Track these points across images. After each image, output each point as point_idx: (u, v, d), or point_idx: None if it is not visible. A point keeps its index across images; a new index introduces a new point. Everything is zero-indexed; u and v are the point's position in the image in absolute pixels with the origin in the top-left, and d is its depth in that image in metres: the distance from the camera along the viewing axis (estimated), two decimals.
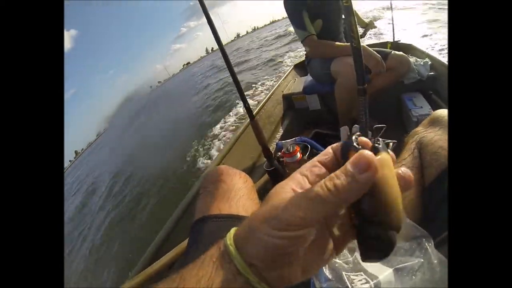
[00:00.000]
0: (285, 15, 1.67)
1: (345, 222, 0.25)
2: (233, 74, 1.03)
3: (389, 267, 0.40)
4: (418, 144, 0.56)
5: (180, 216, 1.09)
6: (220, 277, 0.22)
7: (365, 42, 2.62)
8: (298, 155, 1.13)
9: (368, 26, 1.92)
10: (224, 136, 5.15)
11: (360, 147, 0.23)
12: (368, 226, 0.21)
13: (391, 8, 2.14)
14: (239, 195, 0.62)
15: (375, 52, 1.42)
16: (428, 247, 0.40)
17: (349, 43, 1.54)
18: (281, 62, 9.66)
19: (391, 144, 1.07)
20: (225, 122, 5.93)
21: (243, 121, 1.98)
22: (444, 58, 1.70)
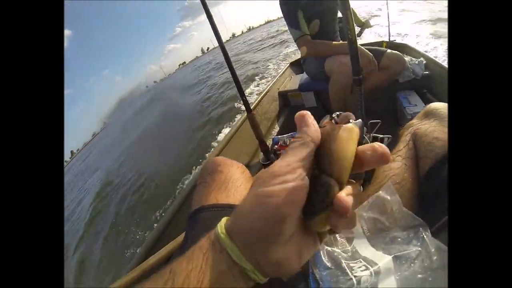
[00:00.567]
0: (280, 15, 1.67)
1: None
2: (231, 68, 1.04)
3: (388, 255, 0.40)
4: (413, 136, 0.57)
5: (177, 209, 1.08)
6: (212, 269, 0.22)
7: (361, 40, 2.64)
8: None
9: (365, 25, 1.93)
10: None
11: (335, 118, 0.28)
12: (317, 174, 0.24)
13: (387, 8, 2.15)
14: (236, 185, 0.62)
15: (366, 51, 1.44)
16: (425, 236, 0.41)
17: (341, 42, 1.57)
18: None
19: (386, 139, 1.09)
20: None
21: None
22: (437, 58, 1.73)
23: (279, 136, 1.36)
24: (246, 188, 0.63)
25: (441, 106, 0.58)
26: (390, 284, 0.37)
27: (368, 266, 0.39)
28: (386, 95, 1.80)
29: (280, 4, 1.61)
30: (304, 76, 2.00)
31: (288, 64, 2.73)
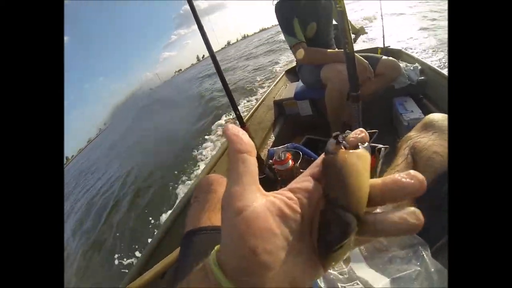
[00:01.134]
0: (274, 23, 1.68)
1: None
2: (223, 81, 1.03)
3: (386, 277, 0.39)
4: (412, 149, 0.55)
5: (171, 225, 1.06)
6: None
7: (355, 47, 2.64)
8: (290, 162, 1.12)
9: (359, 32, 1.94)
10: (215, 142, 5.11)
11: (343, 142, 0.23)
12: (330, 208, 0.21)
13: (381, 14, 2.16)
14: None
15: (362, 58, 1.44)
16: (424, 255, 0.40)
17: (337, 50, 1.57)
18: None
19: (383, 149, 1.08)
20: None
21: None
22: (432, 63, 1.74)
23: (274, 148, 1.35)
24: None
25: (440, 118, 0.56)
26: None
27: None
28: (382, 102, 1.79)
29: (276, 11, 1.61)
30: (299, 84, 1.99)
31: (284, 72, 2.72)
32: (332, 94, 1.56)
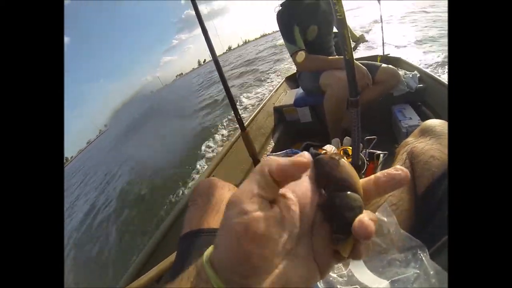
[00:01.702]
0: (275, 29, 1.70)
1: (328, 244, 0.24)
2: (225, 85, 1.03)
3: (385, 279, 0.39)
4: (409, 154, 0.56)
5: (169, 229, 1.06)
6: None
7: (356, 55, 2.67)
8: None
9: (359, 40, 1.96)
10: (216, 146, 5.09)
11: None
12: (338, 194, 0.23)
13: (381, 22, 2.19)
14: None
15: (361, 65, 1.45)
16: (423, 257, 0.40)
17: (336, 57, 1.59)
18: None
19: (382, 155, 1.08)
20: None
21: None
22: (431, 71, 1.76)
23: (274, 154, 1.35)
24: None
25: (437, 123, 0.57)
26: None
27: None
28: (381, 109, 1.81)
29: (277, 19, 1.63)
30: (299, 91, 2.01)
31: (284, 79, 2.74)
32: (331, 100, 1.57)
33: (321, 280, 0.41)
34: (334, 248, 0.23)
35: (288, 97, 2.20)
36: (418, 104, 1.74)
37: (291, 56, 1.64)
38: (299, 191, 0.24)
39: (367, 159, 0.99)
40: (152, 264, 0.89)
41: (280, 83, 2.64)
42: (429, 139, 0.55)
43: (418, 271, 0.39)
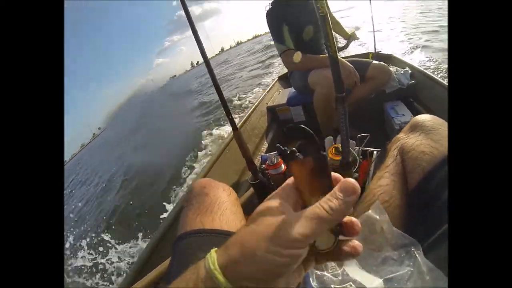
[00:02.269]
0: (267, 30, 1.69)
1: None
2: (216, 85, 1.02)
3: (379, 278, 0.39)
4: (400, 150, 0.56)
5: (165, 232, 1.04)
6: None
7: (348, 52, 2.68)
8: (283, 166, 1.11)
9: (351, 37, 1.96)
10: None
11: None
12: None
13: (372, 19, 2.20)
14: (222, 208, 0.60)
15: (347, 63, 1.44)
16: (417, 255, 0.40)
17: (323, 55, 1.59)
18: None
19: (375, 152, 1.08)
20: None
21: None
22: (421, 67, 1.77)
23: (267, 154, 1.34)
24: (232, 212, 0.61)
25: (427, 118, 0.57)
26: None
27: None
28: (373, 106, 1.81)
29: (266, 17, 1.62)
30: (292, 90, 2.00)
31: (276, 78, 2.74)
32: (319, 99, 1.56)
33: (315, 280, 0.41)
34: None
35: (281, 96, 2.19)
36: (410, 100, 1.75)
37: (280, 55, 1.63)
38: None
39: (360, 156, 0.99)
40: (149, 269, 0.88)
41: (273, 82, 2.63)
42: (419, 135, 0.55)
43: (412, 269, 0.39)
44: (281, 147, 0.28)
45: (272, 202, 0.25)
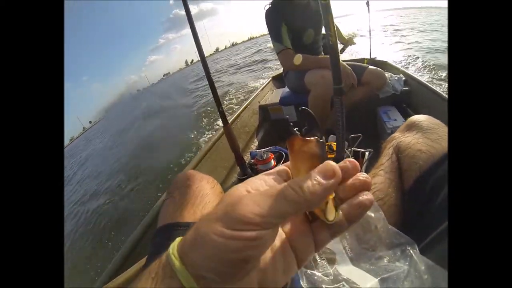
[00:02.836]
0: (263, 32, 1.68)
1: (307, 236, 0.23)
2: (209, 78, 1.00)
3: (374, 277, 0.36)
4: (396, 149, 0.55)
5: (148, 227, 1.01)
6: None
7: (342, 57, 2.69)
8: (272, 162, 1.10)
9: (348, 42, 1.97)
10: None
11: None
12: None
13: (369, 26, 2.22)
14: (205, 201, 0.58)
15: (346, 65, 1.45)
16: (413, 253, 0.38)
17: (322, 55, 1.58)
18: None
19: (367, 153, 1.08)
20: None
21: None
22: (415, 74, 1.79)
23: (257, 150, 1.32)
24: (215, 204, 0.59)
25: (423, 118, 0.56)
26: None
27: None
28: (367, 110, 1.82)
29: (265, 17, 1.62)
30: (285, 90, 2.00)
31: (270, 78, 2.74)
32: (315, 99, 1.57)
33: (304, 279, 0.38)
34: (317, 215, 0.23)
35: (274, 96, 2.18)
36: (403, 106, 1.77)
37: (277, 54, 1.62)
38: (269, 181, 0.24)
39: (352, 157, 0.98)
40: (130, 264, 0.84)
41: (266, 82, 2.63)
42: (415, 133, 0.54)
43: (407, 267, 0.37)
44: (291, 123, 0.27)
45: (240, 184, 0.23)
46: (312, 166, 0.22)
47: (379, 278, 0.36)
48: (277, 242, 0.21)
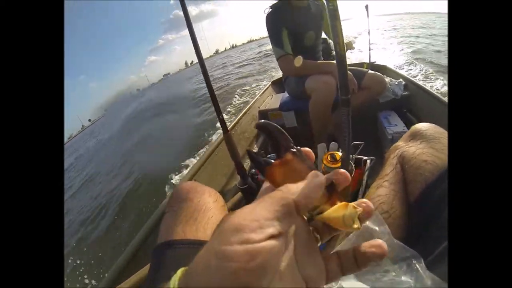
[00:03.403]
0: (263, 35, 1.67)
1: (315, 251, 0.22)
2: (209, 85, 0.99)
3: None
4: (400, 159, 0.54)
5: (145, 238, 0.99)
6: None
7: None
8: None
9: (347, 46, 1.96)
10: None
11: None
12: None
13: (368, 30, 2.22)
14: (207, 216, 0.56)
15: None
16: (418, 267, 0.37)
17: (325, 61, 1.58)
18: None
19: (369, 161, 1.07)
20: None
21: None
22: (415, 79, 1.79)
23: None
24: (218, 220, 0.57)
25: (427, 127, 0.56)
26: None
27: None
28: (367, 115, 1.81)
29: (266, 21, 1.60)
30: (285, 95, 1.98)
31: (270, 83, 2.73)
32: (316, 105, 1.55)
33: None
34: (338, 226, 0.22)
35: (274, 101, 2.17)
36: (403, 111, 1.76)
37: (277, 60, 1.62)
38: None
39: (354, 164, 0.97)
40: (127, 275, 0.83)
41: (266, 87, 2.62)
42: (419, 143, 0.53)
43: (413, 281, 0.36)
44: (253, 154, 0.25)
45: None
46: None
47: None
48: (285, 270, 0.19)
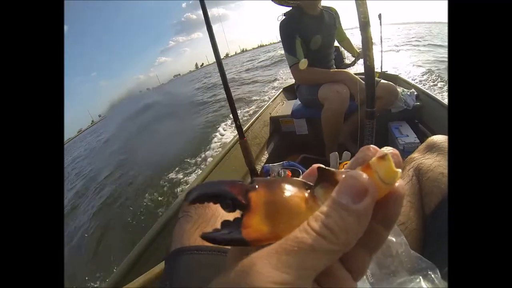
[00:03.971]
0: (273, 40, 1.69)
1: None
2: (227, 89, 1.01)
3: None
4: (416, 171, 0.54)
5: (154, 238, 0.99)
6: None
7: (354, 70, 2.69)
8: None
9: (359, 55, 1.97)
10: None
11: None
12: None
13: (380, 40, 2.22)
14: None
15: (360, 79, 1.45)
16: (434, 278, 0.38)
17: (335, 69, 1.58)
18: None
19: None
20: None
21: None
22: (428, 89, 1.78)
23: (270, 165, 1.31)
24: None
25: (444, 139, 0.56)
26: None
27: None
28: (378, 125, 1.81)
29: (280, 28, 1.62)
30: (297, 102, 1.99)
31: (281, 89, 2.75)
32: (328, 114, 1.56)
33: None
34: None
35: (286, 107, 2.19)
36: (415, 122, 1.75)
37: (290, 67, 1.63)
38: None
39: None
40: (134, 275, 0.83)
41: (277, 93, 2.64)
42: (436, 155, 0.53)
43: None
44: (208, 235, 0.17)
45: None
46: (301, 210, 0.16)
47: None
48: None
